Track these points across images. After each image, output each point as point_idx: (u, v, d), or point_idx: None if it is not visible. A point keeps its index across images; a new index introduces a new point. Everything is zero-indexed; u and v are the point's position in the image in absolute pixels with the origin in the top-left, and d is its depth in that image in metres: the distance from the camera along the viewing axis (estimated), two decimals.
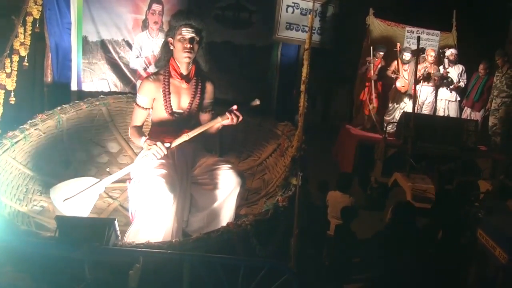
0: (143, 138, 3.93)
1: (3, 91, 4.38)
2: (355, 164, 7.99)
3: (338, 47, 8.32)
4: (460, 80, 8.83)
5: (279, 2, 7.32)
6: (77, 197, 3.98)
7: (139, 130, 4.09)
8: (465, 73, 8.87)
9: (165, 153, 3.80)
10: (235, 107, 3.90)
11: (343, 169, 8.08)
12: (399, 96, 8.81)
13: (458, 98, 9.01)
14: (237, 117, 3.89)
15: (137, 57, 6.83)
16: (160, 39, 6.67)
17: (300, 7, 7.41)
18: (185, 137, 3.91)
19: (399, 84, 8.68)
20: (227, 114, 3.86)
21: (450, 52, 8.88)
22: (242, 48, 7.24)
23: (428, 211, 5.46)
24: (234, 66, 7.18)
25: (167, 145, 3.83)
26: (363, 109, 8.95)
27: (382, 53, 8.67)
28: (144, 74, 6.73)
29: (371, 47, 8.62)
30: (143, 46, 6.81)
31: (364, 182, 7.69)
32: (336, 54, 8.63)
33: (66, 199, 3.96)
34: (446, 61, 8.94)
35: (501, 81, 8.42)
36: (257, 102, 4.03)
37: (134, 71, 6.87)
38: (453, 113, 8.99)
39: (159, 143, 3.77)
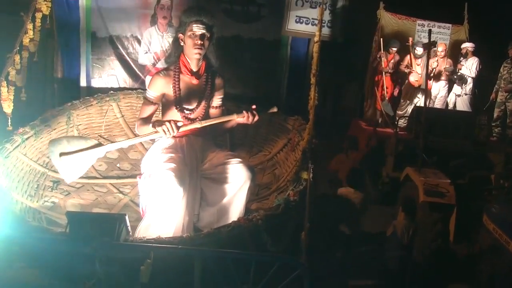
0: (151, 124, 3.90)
1: (13, 87, 4.39)
2: (365, 159, 7.93)
3: (348, 41, 8.26)
4: (470, 70, 8.69)
5: None
6: (75, 156, 3.89)
7: (148, 121, 4.03)
8: (475, 65, 8.71)
9: (175, 132, 3.73)
10: (253, 106, 3.87)
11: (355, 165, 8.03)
12: (412, 91, 8.73)
13: (465, 92, 8.89)
14: (253, 115, 3.86)
15: (146, 52, 6.82)
16: (169, 34, 6.66)
17: (310, 0, 7.37)
18: (197, 124, 3.89)
19: (412, 78, 8.60)
20: (244, 112, 3.84)
21: (463, 46, 8.79)
22: (251, 42, 7.19)
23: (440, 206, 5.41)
24: (243, 60, 7.14)
25: (180, 124, 3.79)
26: (375, 103, 8.89)
27: (395, 49, 8.60)
28: (153, 70, 6.72)
29: (381, 39, 8.54)
30: (152, 42, 6.80)
31: (375, 177, 7.64)
32: (346, 48, 8.57)
33: (63, 154, 3.86)
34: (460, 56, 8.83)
35: (509, 72, 8.31)
36: (275, 109, 4.03)
37: (143, 67, 6.86)
38: (460, 107, 8.89)
39: (171, 121, 3.72)
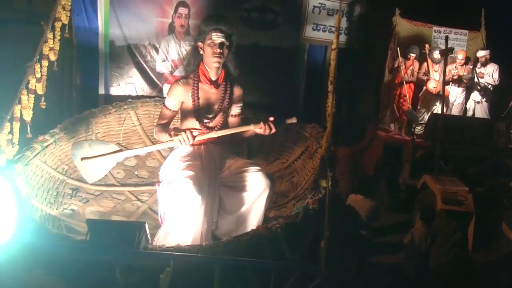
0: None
1: (33, 95, 4.44)
2: (379, 166, 7.89)
3: (365, 47, 8.24)
4: (493, 79, 8.62)
5: (305, 3, 7.28)
6: (95, 160, 4.11)
7: (166, 127, 4.08)
8: (496, 72, 8.64)
9: (191, 142, 3.77)
10: (271, 118, 3.87)
11: (369, 171, 8.00)
12: (429, 98, 8.67)
13: (484, 99, 8.81)
14: (270, 129, 3.85)
15: (164, 60, 6.85)
16: (186, 42, 6.69)
17: (327, 7, 7.35)
18: (212, 134, 3.93)
19: (430, 85, 8.55)
20: (261, 123, 3.84)
21: (481, 54, 8.72)
22: (268, 49, 7.19)
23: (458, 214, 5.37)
24: (261, 68, 7.12)
25: (195, 133, 3.84)
26: (393, 112, 8.84)
27: (413, 55, 8.56)
28: (170, 78, 6.74)
29: (398, 48, 8.51)
30: (170, 50, 6.82)
31: (391, 184, 7.60)
32: (361, 55, 8.54)
33: (84, 158, 4.11)
34: (478, 63, 8.75)
35: None
36: (294, 120, 4.00)
37: (160, 75, 6.89)
38: (479, 114, 8.81)
39: (187, 131, 3.77)
